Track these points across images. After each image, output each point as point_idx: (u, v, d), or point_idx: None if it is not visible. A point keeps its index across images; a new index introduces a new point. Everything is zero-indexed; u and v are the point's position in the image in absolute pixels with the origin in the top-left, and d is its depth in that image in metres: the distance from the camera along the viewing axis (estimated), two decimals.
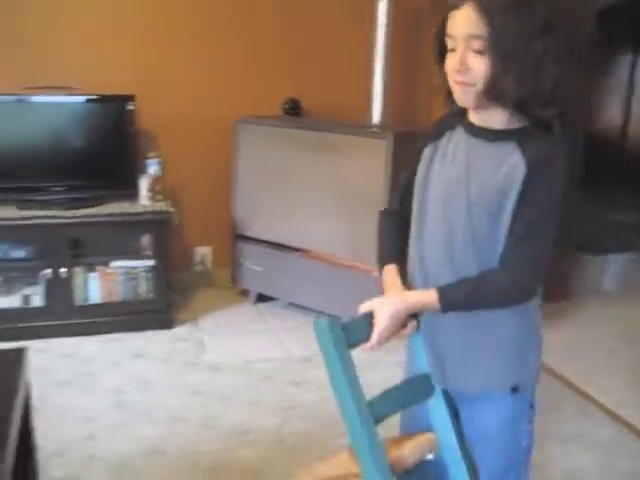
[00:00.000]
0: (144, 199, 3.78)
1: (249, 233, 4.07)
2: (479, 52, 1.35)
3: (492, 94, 1.38)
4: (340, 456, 1.48)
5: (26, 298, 3.62)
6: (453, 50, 1.40)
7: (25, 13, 3.78)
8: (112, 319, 3.73)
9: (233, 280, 4.24)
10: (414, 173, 1.58)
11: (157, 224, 3.71)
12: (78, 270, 3.64)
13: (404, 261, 1.61)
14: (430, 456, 1.53)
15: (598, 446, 2.81)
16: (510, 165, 1.40)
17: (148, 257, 3.75)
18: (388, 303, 1.46)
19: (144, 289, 3.78)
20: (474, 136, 1.47)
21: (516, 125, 1.43)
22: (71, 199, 3.68)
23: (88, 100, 3.75)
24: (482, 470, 1.54)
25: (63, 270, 3.58)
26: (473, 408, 1.56)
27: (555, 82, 1.36)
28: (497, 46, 1.33)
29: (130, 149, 3.81)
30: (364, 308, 1.46)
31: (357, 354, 1.40)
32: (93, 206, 3.66)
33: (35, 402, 2.05)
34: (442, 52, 1.44)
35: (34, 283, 3.62)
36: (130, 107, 3.75)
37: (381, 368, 2.97)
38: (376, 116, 3.86)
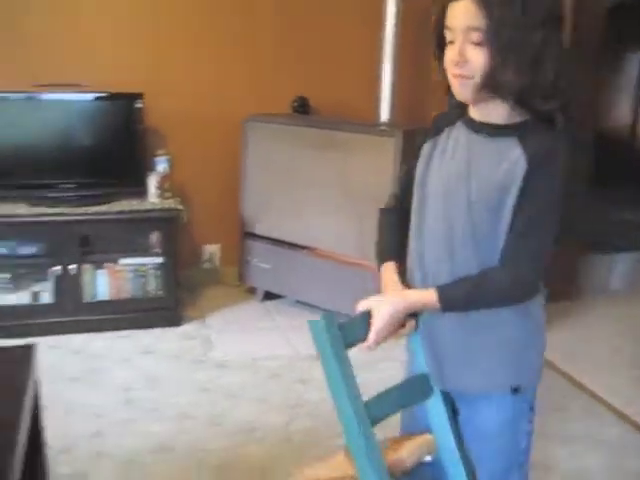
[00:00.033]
0: (153, 197, 3.79)
1: (257, 231, 4.08)
2: (478, 44, 1.34)
3: (490, 86, 1.36)
4: (337, 457, 1.46)
5: (35, 295, 3.64)
6: (452, 42, 1.38)
7: (34, 11, 3.80)
8: (120, 316, 3.75)
9: (241, 278, 4.25)
10: (413, 170, 1.56)
11: (166, 222, 3.73)
12: (87, 267, 3.66)
13: (403, 258, 1.59)
14: (428, 458, 1.51)
15: (605, 446, 2.81)
16: (511, 161, 1.38)
17: (157, 254, 3.77)
18: (386, 302, 1.44)
19: (153, 286, 3.79)
20: (474, 132, 1.46)
21: (517, 119, 1.42)
22: (80, 196, 3.69)
23: (97, 98, 3.77)
24: (481, 471, 1.53)
25: (72, 267, 3.60)
26: (473, 408, 1.55)
27: (556, 74, 1.35)
28: (496, 38, 1.31)
29: (139, 147, 3.82)
30: (361, 307, 1.45)
31: (354, 354, 1.39)
32: (102, 203, 3.67)
33: (43, 399, 2.06)
34: (441, 45, 1.42)
35: (43, 280, 3.63)
36: (139, 105, 3.76)
37: (380, 368, 2.97)
38: (384, 114, 3.86)
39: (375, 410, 1.39)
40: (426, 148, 1.54)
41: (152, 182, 3.79)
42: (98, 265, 3.70)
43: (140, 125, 3.80)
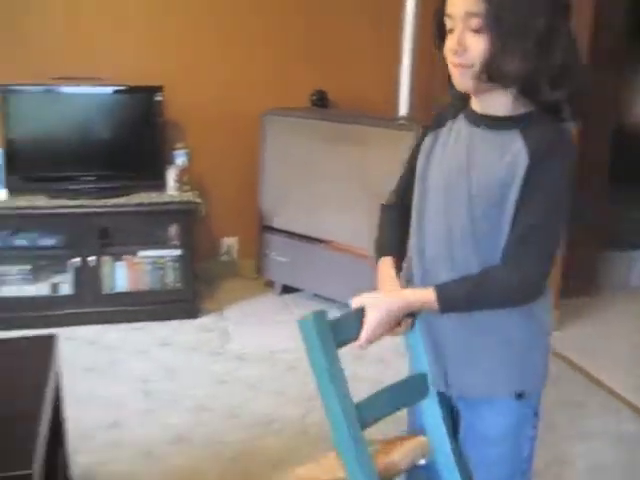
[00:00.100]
0: (172, 189, 3.81)
1: (275, 224, 4.09)
2: (477, 31, 1.28)
3: (491, 75, 1.30)
4: (329, 458, 1.39)
5: (55, 286, 3.67)
6: (451, 31, 1.33)
7: (55, 3, 3.82)
8: (139, 308, 3.77)
9: (258, 271, 4.26)
10: (414, 164, 1.51)
11: (184, 214, 3.74)
12: (106, 259, 3.69)
13: (402, 254, 1.55)
14: (422, 461, 1.47)
15: (623, 442, 2.79)
16: (513, 154, 1.32)
17: (175, 247, 3.79)
18: (381, 301, 1.39)
19: (171, 279, 3.81)
20: (476, 124, 1.40)
21: (521, 110, 1.35)
22: (100, 189, 3.72)
23: (117, 91, 3.79)
24: (482, 477, 1.49)
25: (91, 259, 3.62)
26: (476, 412, 1.50)
27: (563, 63, 1.29)
28: (495, 23, 1.26)
29: (158, 140, 3.84)
30: (355, 303, 1.39)
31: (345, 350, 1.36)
32: (121, 196, 3.69)
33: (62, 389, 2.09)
34: (442, 34, 1.37)
35: (63, 271, 3.67)
36: (158, 98, 3.78)
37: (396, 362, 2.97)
38: (403, 108, 3.84)
39: (367, 412, 1.35)
40: (427, 141, 1.49)
41: (171, 175, 3.81)
42: (117, 257, 3.73)
43: (159, 118, 3.81)
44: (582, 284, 4.15)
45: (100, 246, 3.64)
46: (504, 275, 1.35)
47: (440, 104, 1.53)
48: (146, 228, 3.82)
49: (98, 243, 3.63)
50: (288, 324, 3.81)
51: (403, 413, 1.54)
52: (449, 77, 1.39)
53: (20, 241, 3.64)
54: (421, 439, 1.49)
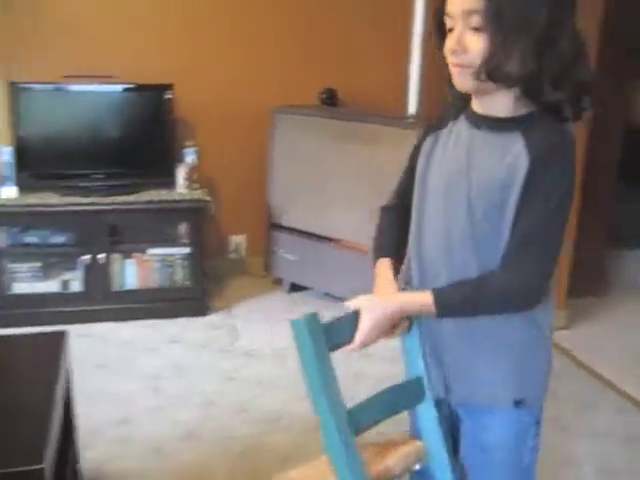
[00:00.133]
0: (181, 187, 3.82)
1: (284, 222, 4.10)
2: (477, 29, 1.25)
3: (490, 74, 1.26)
4: (322, 463, 1.36)
5: (65, 283, 3.69)
6: (451, 30, 1.30)
7: (65, 2, 3.84)
8: (148, 305, 3.79)
9: (267, 269, 4.27)
10: (415, 165, 1.49)
11: (193, 212, 3.76)
12: (116, 256, 3.70)
13: (401, 256, 1.52)
14: (417, 466, 1.45)
15: (634, 443, 2.79)
16: (513, 156, 1.29)
17: (184, 245, 3.80)
18: (376, 304, 1.36)
19: (180, 276, 3.83)
20: (477, 126, 1.37)
21: (522, 111, 1.32)
22: (110, 186, 3.73)
23: (127, 89, 3.81)
24: None
25: (101, 256, 3.64)
26: (476, 419, 1.47)
27: (567, 60, 1.25)
28: (495, 19, 1.22)
29: (168, 138, 3.85)
30: (350, 306, 1.36)
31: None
32: (131, 194, 3.71)
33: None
34: (442, 34, 1.34)
35: (73, 269, 3.69)
36: (168, 96, 3.79)
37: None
38: (412, 107, 3.84)
39: (359, 417, 1.32)
40: (428, 143, 1.47)
41: (180, 173, 3.82)
42: (127, 255, 3.74)
43: (169, 116, 3.83)
44: (591, 283, 4.14)
45: (110, 244, 3.66)
46: (503, 279, 1.32)
47: (448, 103, 1.50)
48: (155, 226, 3.84)
49: (108, 240, 3.65)
50: None
51: (404, 413, 1.53)
52: (449, 77, 1.37)
53: (30, 238, 3.65)
54: (417, 444, 1.47)
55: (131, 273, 3.77)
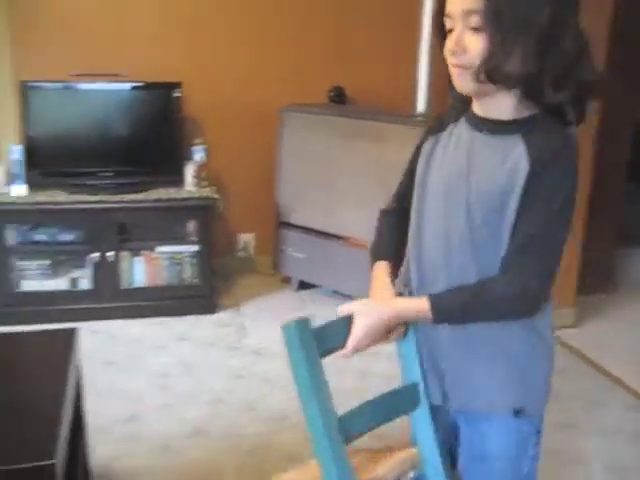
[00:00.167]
0: (190, 185, 3.83)
1: (292, 220, 4.10)
2: (477, 29, 1.23)
3: (489, 75, 1.24)
4: (312, 469, 1.34)
5: (74, 281, 3.71)
6: (451, 31, 1.28)
7: (73, 1, 3.85)
8: (156, 303, 3.80)
9: (275, 267, 4.27)
10: (415, 168, 1.47)
11: (202, 210, 3.76)
12: (124, 254, 3.71)
13: (399, 260, 1.49)
14: (411, 474, 1.43)
15: None
16: (514, 160, 1.26)
17: (192, 243, 3.81)
18: (371, 310, 1.33)
19: (188, 274, 3.84)
20: (478, 129, 1.35)
21: (525, 114, 1.30)
22: (118, 185, 3.75)
23: (135, 87, 3.82)
24: None
25: (110, 254, 3.65)
26: (474, 427, 1.44)
27: (569, 61, 1.23)
28: (495, 18, 1.20)
29: (176, 136, 3.86)
30: (343, 311, 1.34)
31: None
32: (140, 192, 3.72)
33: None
34: (443, 35, 1.32)
35: (82, 266, 3.70)
36: (177, 94, 3.80)
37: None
38: (421, 105, 3.84)
39: (351, 424, 1.29)
40: (428, 145, 1.45)
41: (189, 171, 3.83)
42: (135, 252, 3.75)
43: (178, 114, 3.84)
44: (599, 281, 4.13)
45: (119, 241, 3.67)
46: (502, 285, 1.29)
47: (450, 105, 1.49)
48: (164, 224, 3.85)
49: (117, 238, 3.66)
50: None
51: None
52: (450, 79, 1.35)
53: (40, 236, 3.67)
54: (411, 450, 1.44)
55: (140, 271, 3.78)
